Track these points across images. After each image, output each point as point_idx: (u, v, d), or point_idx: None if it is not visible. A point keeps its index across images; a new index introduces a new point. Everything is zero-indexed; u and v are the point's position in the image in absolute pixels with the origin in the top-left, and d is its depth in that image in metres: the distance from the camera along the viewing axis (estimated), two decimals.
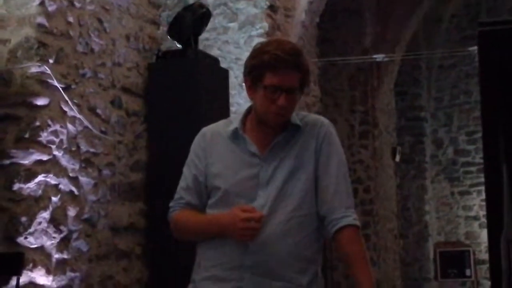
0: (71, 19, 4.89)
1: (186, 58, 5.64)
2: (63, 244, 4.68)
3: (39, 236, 4.46)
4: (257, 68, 2.50)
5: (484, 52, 3.78)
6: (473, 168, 12.28)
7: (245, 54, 5.92)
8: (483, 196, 8.28)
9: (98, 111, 5.16)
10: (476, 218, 12.22)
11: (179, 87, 5.54)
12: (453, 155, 12.58)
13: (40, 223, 4.47)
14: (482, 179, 3.96)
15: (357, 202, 9.24)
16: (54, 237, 4.59)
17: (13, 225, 4.40)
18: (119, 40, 5.46)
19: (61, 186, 4.69)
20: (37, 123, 4.53)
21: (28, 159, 4.48)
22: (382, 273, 9.68)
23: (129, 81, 5.56)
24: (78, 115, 4.88)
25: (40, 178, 4.51)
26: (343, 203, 2.56)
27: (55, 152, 4.65)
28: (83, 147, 4.95)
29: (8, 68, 4.57)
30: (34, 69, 4.56)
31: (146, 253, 5.55)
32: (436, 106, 12.67)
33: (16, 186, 4.42)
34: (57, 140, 4.66)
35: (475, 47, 5.66)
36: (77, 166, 4.87)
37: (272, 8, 6.18)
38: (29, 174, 4.47)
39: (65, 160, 4.75)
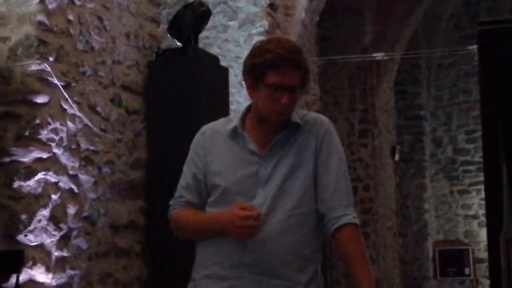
0: (71, 17, 4.89)
1: (186, 57, 5.64)
2: (63, 242, 4.69)
3: (39, 233, 4.46)
4: (258, 67, 2.50)
5: (483, 51, 3.79)
6: (472, 167, 12.29)
7: (245, 53, 5.90)
8: (483, 195, 8.29)
9: (98, 109, 5.16)
10: (475, 217, 12.23)
11: (179, 85, 5.54)
12: (453, 154, 12.58)
13: (40, 220, 4.47)
14: (482, 178, 3.97)
15: (356, 200, 9.24)
16: (54, 235, 4.59)
17: (13, 223, 4.40)
18: (119, 38, 5.46)
19: (61, 184, 4.69)
20: (37, 121, 4.53)
21: (28, 157, 4.48)
22: (381, 272, 9.68)
23: (129, 79, 5.56)
24: (78, 113, 4.88)
25: (40, 175, 4.52)
26: (343, 201, 2.56)
27: (55, 150, 4.65)
28: (83, 145, 4.95)
29: (8, 66, 4.57)
30: (34, 67, 4.56)
31: (146, 251, 5.55)
32: (435, 105, 12.67)
33: (16, 184, 4.42)
34: (57, 138, 4.67)
35: (475, 46, 5.66)
36: (77, 164, 4.87)
37: (272, 6, 6.17)
38: (29, 171, 4.47)
39: (65, 158, 4.75)
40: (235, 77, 5.96)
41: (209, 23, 5.86)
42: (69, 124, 4.80)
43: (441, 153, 12.63)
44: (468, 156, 12.43)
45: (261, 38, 5.78)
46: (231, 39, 6.12)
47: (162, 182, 5.24)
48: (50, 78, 4.62)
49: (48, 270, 4.51)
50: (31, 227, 4.42)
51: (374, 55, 9.21)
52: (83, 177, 4.93)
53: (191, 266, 2.65)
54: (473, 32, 9.59)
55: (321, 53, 8.68)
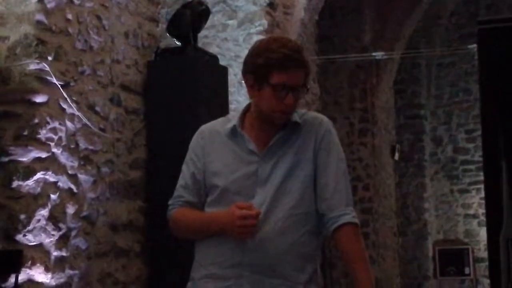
0: (70, 16, 4.88)
1: (185, 56, 5.63)
2: (62, 241, 4.68)
3: (37, 233, 4.45)
4: (263, 66, 2.49)
5: (483, 50, 3.79)
6: (472, 166, 12.28)
7: (244, 52, 5.90)
8: (482, 194, 8.29)
9: (97, 108, 5.15)
10: (475, 216, 12.22)
11: (178, 85, 5.53)
12: (452, 153, 12.57)
13: (39, 220, 4.46)
14: (481, 177, 3.97)
15: (356, 200, 9.24)
16: (53, 235, 4.58)
17: (11, 223, 4.39)
18: (118, 38, 5.45)
19: (60, 184, 4.68)
20: (36, 120, 4.52)
21: (26, 157, 4.47)
22: (381, 271, 9.68)
23: (128, 79, 5.55)
24: (77, 113, 4.87)
25: (39, 175, 4.51)
26: (342, 201, 2.56)
27: (54, 150, 4.64)
28: (82, 145, 4.95)
29: (6, 65, 4.56)
30: (33, 66, 4.55)
31: (145, 250, 5.54)
32: (435, 104, 12.66)
33: (14, 184, 4.41)
34: (56, 137, 4.66)
35: (475, 45, 5.66)
36: (76, 164, 4.86)
37: (271, 5, 6.17)
38: (28, 171, 4.46)
39: (64, 158, 4.74)
40: (235, 76, 5.95)
41: (208, 22, 5.86)
42: (68, 123, 4.79)
43: (441, 152, 12.62)
44: (468, 155, 12.42)
45: (261, 37, 5.78)
46: (230, 38, 6.12)
47: (161, 182, 5.24)
48: (49, 78, 4.61)
49: (47, 270, 4.50)
50: (30, 227, 4.41)
51: (373, 54, 9.22)
52: (82, 176, 4.92)
53: (191, 265, 2.64)
54: (473, 31, 9.61)
55: (320, 52, 8.68)
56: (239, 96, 5.93)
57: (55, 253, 4.59)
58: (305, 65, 2.52)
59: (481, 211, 11.71)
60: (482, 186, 8.51)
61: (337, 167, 2.59)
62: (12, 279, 4.26)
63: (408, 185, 12.12)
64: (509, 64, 3.71)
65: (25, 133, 4.49)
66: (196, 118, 5.13)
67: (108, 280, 5.15)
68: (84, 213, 4.92)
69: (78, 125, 4.90)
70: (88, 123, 4.98)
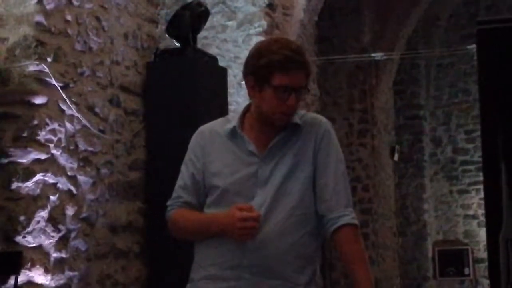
0: (69, 17, 4.89)
1: (185, 57, 5.64)
2: (62, 243, 4.68)
3: (37, 235, 4.46)
4: (264, 68, 2.48)
5: (482, 50, 3.78)
6: (471, 167, 12.28)
7: (244, 53, 5.93)
8: (482, 195, 8.29)
9: (96, 109, 5.15)
10: (474, 217, 12.21)
11: (177, 86, 5.53)
12: (452, 153, 12.56)
13: (38, 222, 4.47)
14: (481, 178, 3.97)
15: (355, 200, 9.24)
16: (52, 236, 4.58)
17: (11, 224, 4.39)
18: (117, 39, 5.45)
19: (59, 185, 4.68)
20: (35, 122, 4.52)
21: (26, 158, 4.47)
22: (381, 272, 9.68)
23: (128, 80, 5.56)
24: (76, 114, 4.87)
25: (38, 177, 4.51)
26: (342, 202, 2.55)
27: (53, 151, 4.65)
28: (81, 146, 4.95)
29: (6, 66, 4.56)
30: (32, 67, 4.56)
31: (145, 252, 5.55)
32: (434, 105, 12.65)
33: (14, 185, 4.42)
34: (55, 138, 4.66)
35: (474, 46, 5.65)
36: (75, 165, 4.86)
37: (270, 6, 6.17)
38: (27, 173, 4.46)
39: (63, 159, 4.74)
40: (234, 77, 5.95)
41: (208, 23, 5.86)
42: (68, 125, 4.80)
43: (441, 153, 12.62)
44: (467, 156, 12.41)
45: (260, 38, 5.79)
46: (230, 39, 6.11)
47: (160, 183, 5.23)
48: (48, 79, 4.61)
49: (46, 271, 4.50)
50: (29, 229, 4.41)
51: (373, 55, 9.22)
52: (81, 178, 4.92)
53: (190, 267, 2.64)
54: (472, 32, 9.61)
55: (320, 53, 8.68)
56: (238, 97, 5.93)
57: (54, 255, 4.59)
58: (306, 66, 2.52)
59: (481, 211, 11.70)
60: (481, 186, 8.50)
61: (336, 168, 2.58)
62: (11, 281, 4.26)
63: (407, 185, 12.12)
64: (508, 64, 3.70)
65: (25, 134, 4.49)
66: (195, 119, 5.13)
67: (107, 281, 5.16)
68: (84, 215, 4.92)
69: (78, 127, 4.90)
70: (87, 124, 4.98)
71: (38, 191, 4.49)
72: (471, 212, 12.28)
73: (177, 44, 5.70)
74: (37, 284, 4.43)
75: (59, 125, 4.71)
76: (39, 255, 4.47)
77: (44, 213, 4.51)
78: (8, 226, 4.40)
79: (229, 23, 6.14)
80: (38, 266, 4.44)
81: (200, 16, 5.70)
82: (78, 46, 4.98)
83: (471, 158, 12.31)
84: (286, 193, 2.53)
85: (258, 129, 2.59)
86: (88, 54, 5.08)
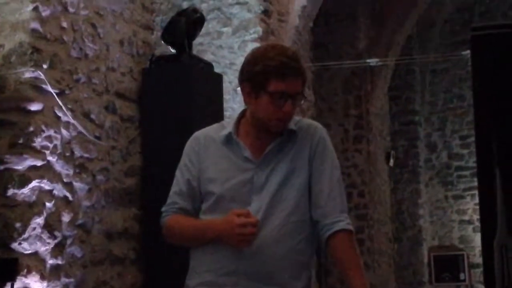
0: (65, 24, 4.89)
1: (180, 63, 5.64)
2: (58, 249, 4.68)
3: (33, 241, 4.45)
4: (260, 74, 2.49)
5: (477, 56, 3.79)
6: (466, 172, 12.29)
7: (239, 59, 5.94)
8: (477, 200, 8.31)
9: (92, 116, 5.15)
10: (470, 222, 12.22)
11: (173, 92, 5.54)
12: (447, 159, 12.58)
13: (34, 228, 4.46)
14: (476, 183, 3.97)
15: (351, 206, 9.24)
16: (48, 243, 4.58)
17: (7, 231, 4.39)
18: (113, 45, 5.46)
19: (55, 192, 4.68)
20: (31, 129, 4.52)
21: (22, 165, 4.47)
22: (376, 277, 9.68)
23: (123, 86, 5.56)
24: (72, 121, 4.87)
25: (34, 183, 4.50)
26: (337, 208, 2.56)
27: (49, 158, 4.65)
28: (77, 153, 4.95)
29: (2, 73, 4.56)
30: (28, 74, 4.56)
31: (141, 258, 5.54)
32: (429, 110, 12.68)
33: (10, 192, 4.41)
34: (51, 145, 4.66)
35: (468, 51, 5.67)
36: (71, 172, 4.86)
37: (265, 13, 6.18)
38: (23, 179, 4.46)
39: (59, 166, 4.74)
40: (229, 83, 5.96)
41: (203, 30, 5.87)
42: (63, 131, 4.80)
43: (436, 159, 12.63)
44: (462, 161, 12.43)
45: (255, 44, 5.80)
46: (225, 45, 6.12)
47: (156, 189, 5.21)
48: (44, 86, 4.62)
49: (42, 278, 4.49)
50: (25, 235, 4.41)
51: (368, 61, 9.23)
52: (77, 184, 4.92)
53: (186, 273, 2.64)
54: (466, 37, 9.61)
55: (315, 59, 8.69)
56: (234, 104, 5.93)
57: (50, 261, 4.59)
58: (302, 72, 2.53)
59: (476, 217, 11.70)
60: (476, 192, 8.50)
61: (331, 174, 2.59)
62: None
63: (403, 191, 12.12)
64: (502, 70, 3.72)
65: (20, 141, 4.49)
66: (191, 125, 5.13)
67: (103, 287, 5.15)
68: (80, 221, 4.92)
69: (73, 133, 4.90)
70: (83, 131, 4.98)
71: (34, 197, 4.49)
72: (466, 218, 12.29)
73: (173, 51, 5.71)
74: None
75: (55, 132, 4.71)
76: (35, 262, 4.46)
77: (40, 220, 4.51)
78: (4, 233, 4.39)
79: (225, 29, 6.15)
80: (34, 272, 4.43)
81: (195, 22, 5.71)
82: (74, 53, 4.99)
83: (466, 164, 12.33)
84: (281, 200, 2.54)
85: (254, 135, 2.60)
86: (83, 61, 5.08)
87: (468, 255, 11.68)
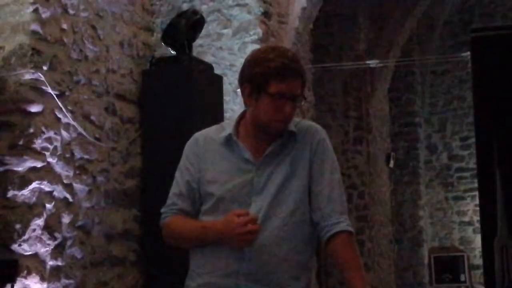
0: (65, 26, 4.89)
1: (180, 65, 5.64)
2: (58, 251, 4.68)
3: (33, 243, 4.45)
4: (261, 76, 2.49)
5: (477, 58, 3.80)
6: (467, 174, 12.30)
7: (239, 60, 5.94)
8: (477, 201, 8.32)
9: (92, 117, 5.15)
10: (470, 223, 12.23)
11: (173, 94, 5.54)
12: (447, 160, 12.59)
13: (34, 230, 4.46)
14: (476, 185, 3.97)
15: (351, 208, 9.25)
16: (48, 244, 4.58)
17: (7, 232, 4.39)
18: (113, 47, 5.46)
19: (55, 193, 4.68)
20: (31, 130, 4.52)
21: (22, 166, 4.47)
22: (377, 279, 9.68)
23: (123, 88, 5.56)
24: (72, 122, 4.87)
25: (34, 185, 4.51)
26: (337, 209, 2.56)
27: (49, 159, 4.65)
28: (77, 154, 4.95)
29: (1, 75, 4.56)
30: (28, 76, 4.56)
31: (141, 259, 5.54)
32: (430, 112, 12.69)
33: (10, 193, 4.41)
34: (51, 147, 4.66)
35: (468, 53, 5.67)
36: (71, 173, 4.86)
37: (266, 14, 6.18)
38: (23, 181, 4.46)
39: (59, 167, 4.74)
40: (229, 85, 5.96)
41: (203, 31, 5.87)
42: (63, 133, 4.80)
43: (436, 160, 12.64)
44: (462, 162, 12.44)
45: (255, 46, 5.80)
46: (225, 47, 6.12)
47: (156, 191, 5.20)
48: (44, 87, 4.62)
49: (42, 279, 4.49)
50: (25, 237, 4.41)
51: (368, 62, 9.23)
52: (77, 186, 4.92)
53: (186, 274, 2.64)
54: (466, 39, 9.62)
55: (315, 61, 8.69)
56: (234, 105, 5.93)
57: (50, 263, 4.59)
58: (303, 74, 2.54)
59: (476, 218, 11.71)
60: (476, 193, 8.50)
61: (331, 175, 2.59)
62: None
63: (403, 192, 12.13)
64: (502, 71, 3.72)
65: (21, 142, 4.49)
66: (191, 127, 5.12)
67: None
68: (80, 223, 4.92)
69: (74, 135, 4.90)
70: (83, 132, 4.98)
71: (34, 199, 4.49)
72: (466, 219, 12.30)
73: (173, 52, 5.71)
74: None
75: (55, 133, 4.71)
76: (35, 263, 4.46)
77: (40, 221, 4.51)
78: (4, 234, 4.39)
79: (225, 31, 6.15)
80: (34, 274, 4.43)
81: (195, 24, 5.71)
82: (74, 55, 4.99)
83: (466, 165, 12.34)
84: (282, 201, 2.54)
85: (254, 136, 2.60)
86: (84, 63, 5.09)
87: (468, 256, 11.68)
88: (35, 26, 4.61)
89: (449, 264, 11.60)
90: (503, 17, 11.88)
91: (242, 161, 2.57)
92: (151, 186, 5.51)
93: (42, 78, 4.59)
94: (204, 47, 6.15)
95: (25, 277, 4.37)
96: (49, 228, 4.60)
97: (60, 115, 4.77)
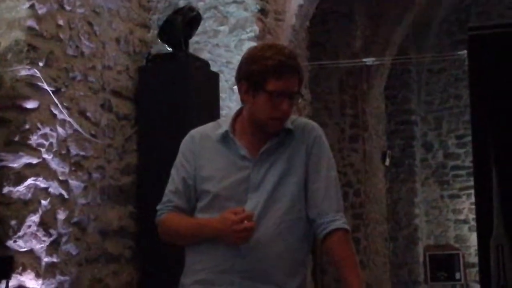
0: (61, 22, 4.88)
1: (177, 61, 5.64)
2: (53, 247, 4.67)
3: (28, 239, 4.44)
4: (258, 73, 2.49)
5: (473, 56, 3.80)
6: (462, 172, 12.31)
7: (236, 58, 5.93)
8: (473, 199, 8.32)
9: (88, 114, 5.14)
10: (465, 221, 12.25)
11: (169, 90, 5.53)
12: (443, 158, 12.60)
13: (29, 226, 4.46)
14: (472, 183, 3.99)
15: (347, 205, 9.25)
16: (43, 241, 4.57)
17: (2, 229, 4.38)
18: (109, 43, 5.45)
19: (50, 190, 4.67)
20: (27, 126, 4.51)
21: (17, 162, 4.46)
22: (372, 276, 9.69)
23: (119, 84, 5.55)
24: (68, 118, 4.87)
25: (30, 181, 4.50)
26: (333, 207, 2.56)
27: (45, 155, 4.64)
28: (73, 150, 4.94)
29: None
30: (24, 72, 4.55)
31: (136, 256, 5.54)
32: (426, 110, 12.70)
33: (5, 189, 4.40)
34: (46, 143, 4.65)
35: (465, 51, 5.68)
36: (67, 169, 4.85)
37: (262, 11, 6.17)
38: (19, 177, 4.45)
39: (54, 163, 4.73)
40: (226, 82, 5.95)
41: (200, 28, 5.86)
42: (59, 129, 4.79)
43: (432, 158, 12.65)
44: (458, 160, 12.45)
45: (252, 43, 5.79)
46: (222, 44, 6.11)
47: (152, 187, 5.22)
48: (40, 83, 4.61)
49: (38, 276, 4.49)
50: (20, 233, 4.40)
51: (364, 60, 9.23)
52: (73, 182, 4.92)
53: (181, 271, 2.64)
54: (463, 37, 9.65)
55: (311, 58, 8.69)
56: (230, 102, 5.93)
57: (46, 259, 4.58)
58: (300, 71, 2.53)
59: (472, 216, 11.73)
60: (472, 191, 8.49)
61: (327, 173, 2.59)
62: (2, 285, 4.24)
63: (398, 190, 12.14)
64: (499, 70, 3.73)
65: (16, 139, 4.48)
66: (187, 123, 5.12)
67: (98, 285, 5.15)
68: (75, 219, 4.92)
69: (69, 131, 4.89)
70: (79, 129, 4.97)
71: (29, 195, 4.48)
72: (462, 217, 12.32)
73: (169, 49, 5.70)
74: None
75: (51, 130, 4.70)
76: (30, 260, 4.46)
77: (35, 218, 4.50)
78: None
79: (221, 28, 6.14)
80: (29, 270, 4.42)
81: (192, 21, 5.70)
82: (70, 51, 4.98)
83: (462, 163, 12.35)
84: (278, 198, 2.54)
85: (250, 133, 2.59)
86: (80, 59, 5.08)
87: (463, 255, 11.71)
88: (31, 22, 4.60)
89: (444, 262, 11.63)
90: (499, 15, 11.88)
91: (238, 158, 2.57)
92: (147, 183, 5.50)
93: (38, 74, 4.58)
94: (201, 44, 6.14)
95: (20, 274, 4.37)
96: (45, 225, 4.59)
97: (56, 112, 4.76)
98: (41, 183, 4.58)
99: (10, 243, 4.36)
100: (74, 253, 4.88)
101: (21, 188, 4.44)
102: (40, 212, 4.55)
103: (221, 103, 5.83)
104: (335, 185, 2.61)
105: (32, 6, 4.60)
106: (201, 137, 2.65)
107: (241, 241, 2.44)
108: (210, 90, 5.71)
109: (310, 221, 2.57)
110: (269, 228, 2.50)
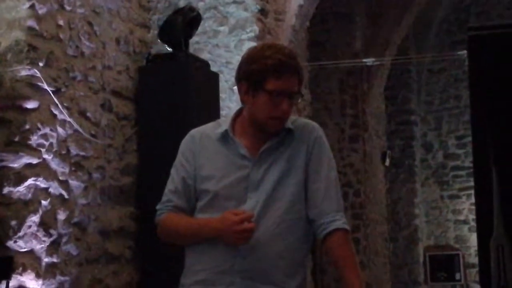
0: (61, 22, 4.88)
1: (177, 62, 5.64)
2: (53, 247, 4.67)
3: (28, 239, 4.44)
4: (258, 73, 2.49)
5: (473, 56, 3.80)
6: (462, 172, 12.31)
7: (236, 58, 5.93)
8: (473, 200, 8.32)
9: (88, 114, 5.14)
10: (465, 222, 12.24)
11: (169, 91, 5.53)
12: (443, 159, 12.60)
13: (29, 226, 4.45)
14: (472, 183, 3.99)
15: (347, 206, 9.24)
16: (44, 241, 4.57)
17: (2, 229, 4.38)
18: (109, 44, 5.45)
19: (51, 190, 4.67)
20: (27, 127, 4.51)
21: (17, 163, 4.46)
22: (372, 277, 9.69)
23: (120, 85, 5.55)
24: (68, 119, 4.87)
25: (30, 181, 4.50)
26: (333, 207, 2.56)
27: (45, 156, 4.64)
28: (73, 151, 4.94)
29: None
30: (24, 72, 4.55)
31: (136, 256, 5.54)
32: (426, 110, 12.70)
33: (5, 190, 4.40)
34: (47, 143, 4.65)
35: (465, 51, 5.67)
36: (67, 170, 4.85)
37: (262, 12, 6.17)
38: (19, 177, 4.45)
39: (55, 164, 4.73)
40: (226, 82, 5.95)
41: (200, 28, 5.86)
42: (59, 129, 4.79)
43: (432, 158, 12.65)
44: (458, 161, 12.45)
45: (252, 43, 5.79)
46: (222, 44, 6.12)
47: (152, 188, 5.18)
48: (40, 84, 4.61)
49: (38, 276, 4.48)
50: (21, 233, 4.40)
51: (364, 60, 9.23)
52: (73, 182, 4.92)
53: (182, 272, 2.64)
54: (463, 37, 9.64)
55: (311, 59, 8.69)
56: (230, 102, 5.93)
57: (46, 260, 4.58)
58: (299, 71, 2.54)
59: (472, 217, 11.73)
60: (472, 192, 8.50)
61: (327, 173, 2.59)
62: (3, 286, 4.24)
63: (398, 190, 12.14)
64: (499, 70, 3.73)
65: (16, 139, 4.48)
66: (187, 123, 5.11)
67: (99, 286, 5.15)
68: (75, 219, 4.91)
69: (69, 131, 4.89)
70: (79, 129, 4.97)
71: (29, 195, 4.48)
72: (462, 217, 12.31)
73: (169, 49, 5.70)
74: None
75: (51, 130, 4.70)
76: (31, 260, 4.46)
77: (35, 218, 4.50)
78: (0, 231, 4.38)
79: (221, 28, 6.15)
80: (29, 271, 4.42)
81: (192, 21, 5.70)
82: (70, 51, 4.98)
83: (462, 164, 12.35)
84: (277, 198, 2.54)
85: (250, 133, 2.59)
86: (80, 59, 5.08)
87: (463, 255, 11.70)
88: (31, 22, 4.60)
89: (444, 263, 11.63)
90: (499, 15, 11.88)
91: (238, 157, 2.57)
92: (147, 183, 5.50)
93: (38, 74, 4.58)
94: (201, 44, 6.15)
95: (21, 274, 4.36)
96: (45, 225, 4.59)
97: (56, 112, 4.76)
98: (41, 183, 4.58)
99: (10, 243, 4.36)
100: (74, 253, 4.88)
101: (21, 188, 4.44)
102: (40, 212, 4.55)
103: (221, 103, 5.83)
104: (335, 185, 2.61)
105: (32, 6, 4.60)
106: (201, 137, 2.65)
107: (241, 241, 2.44)
108: (210, 90, 5.71)
109: (310, 221, 2.57)
110: (269, 227, 2.50)
